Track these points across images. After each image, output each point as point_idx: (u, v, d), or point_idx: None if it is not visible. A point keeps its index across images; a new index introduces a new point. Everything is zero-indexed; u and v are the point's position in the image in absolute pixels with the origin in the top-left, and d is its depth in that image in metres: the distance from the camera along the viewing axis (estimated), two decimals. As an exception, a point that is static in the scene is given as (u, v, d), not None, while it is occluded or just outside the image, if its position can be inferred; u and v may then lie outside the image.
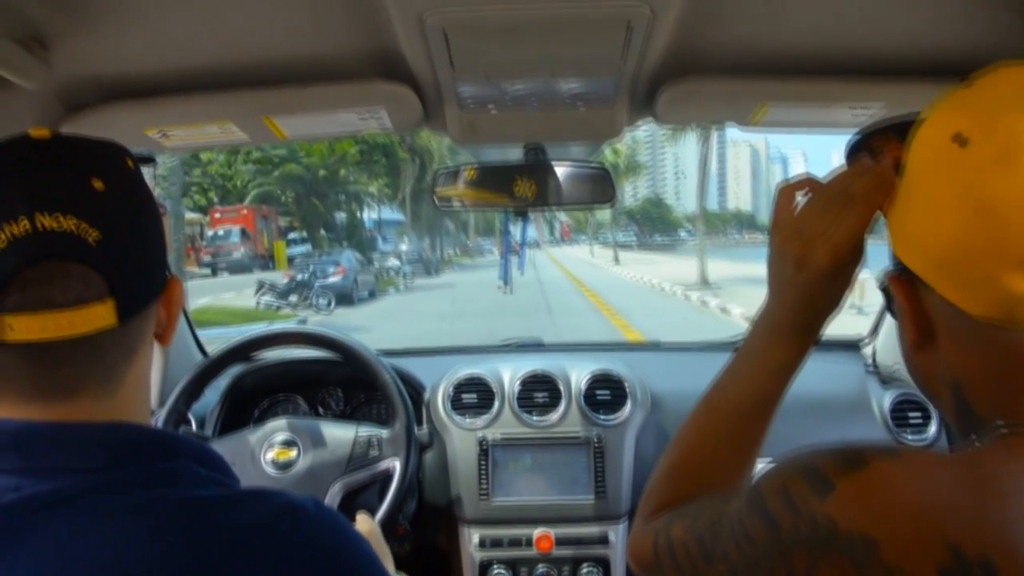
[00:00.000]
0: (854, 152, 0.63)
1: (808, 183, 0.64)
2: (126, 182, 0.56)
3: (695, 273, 19.71)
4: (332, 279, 15.96)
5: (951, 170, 0.48)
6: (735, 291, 15.56)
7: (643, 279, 21.81)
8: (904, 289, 0.55)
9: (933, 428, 1.47)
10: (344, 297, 15.58)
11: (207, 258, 23.98)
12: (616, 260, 34.89)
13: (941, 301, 0.51)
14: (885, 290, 0.58)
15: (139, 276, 0.55)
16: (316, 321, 12.06)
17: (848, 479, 0.47)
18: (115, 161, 0.56)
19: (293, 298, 14.80)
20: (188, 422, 1.40)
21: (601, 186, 1.28)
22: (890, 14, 0.84)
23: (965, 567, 0.42)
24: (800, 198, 0.64)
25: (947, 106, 0.51)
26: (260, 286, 15.16)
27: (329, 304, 14.39)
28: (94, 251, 0.51)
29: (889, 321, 1.64)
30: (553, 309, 13.22)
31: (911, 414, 1.48)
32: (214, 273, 23.05)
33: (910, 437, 1.47)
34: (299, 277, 15.58)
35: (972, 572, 0.42)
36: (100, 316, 0.51)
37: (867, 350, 1.70)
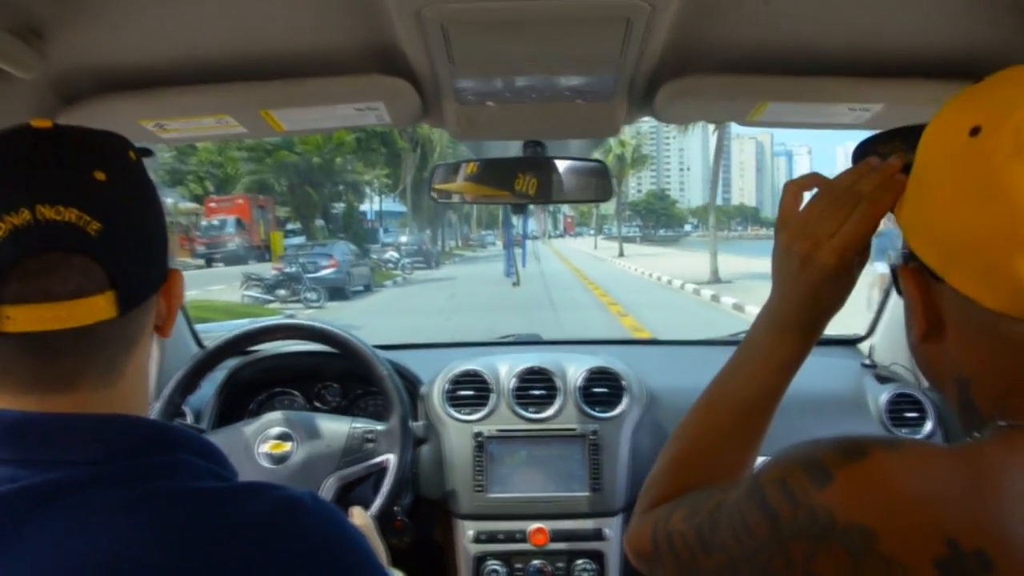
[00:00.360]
0: (861, 155, 0.64)
1: (815, 180, 0.66)
2: (128, 174, 0.56)
3: (703, 267, 19.27)
4: (323, 272, 15.54)
5: (964, 159, 0.49)
6: (748, 287, 15.12)
7: (650, 274, 21.51)
8: (916, 280, 0.55)
9: (929, 425, 1.49)
10: (337, 291, 15.24)
11: (202, 249, 23.92)
12: (621, 253, 34.84)
13: (952, 295, 0.51)
14: (895, 272, 0.58)
15: (140, 268, 0.56)
16: (305, 316, 11.89)
17: (847, 470, 0.48)
18: (118, 153, 0.57)
19: (281, 292, 14.34)
20: (183, 415, 1.41)
21: (599, 182, 1.28)
22: (891, 14, 0.85)
23: (961, 559, 0.43)
24: (807, 195, 0.65)
25: (959, 101, 0.52)
26: (246, 279, 14.64)
27: (319, 299, 14.02)
28: (95, 242, 0.52)
29: (887, 319, 1.66)
30: (557, 306, 12.96)
31: (907, 411, 1.50)
32: (209, 264, 23.01)
33: (906, 434, 1.49)
34: (288, 270, 15.08)
35: (968, 564, 0.43)
36: (100, 308, 0.52)
37: (864, 347, 1.72)
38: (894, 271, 0.59)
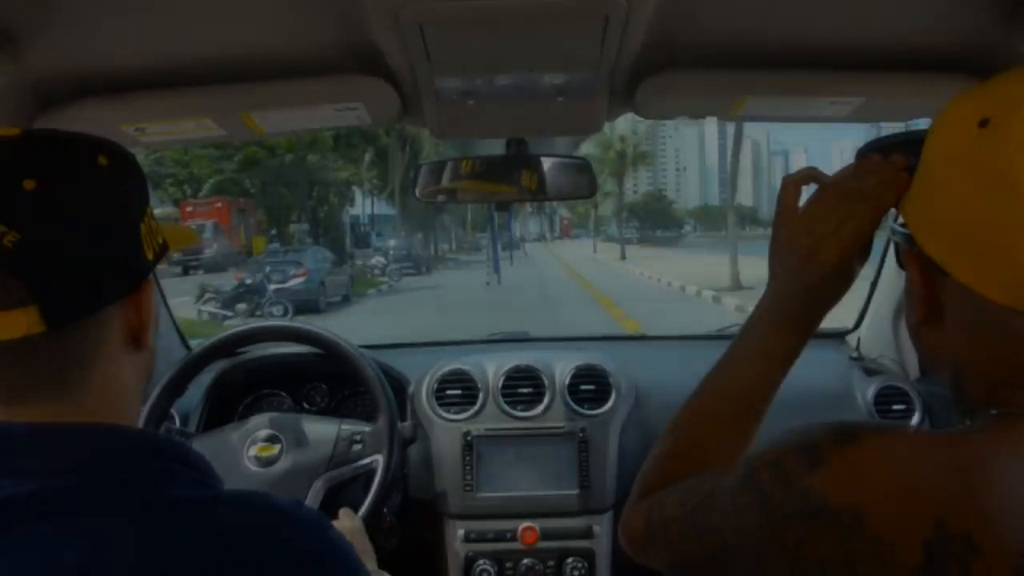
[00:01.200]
0: (863, 157, 0.67)
1: (813, 176, 0.69)
2: (71, 180, 0.55)
3: (714, 271, 18.09)
4: (291, 283, 14.26)
5: (972, 150, 0.51)
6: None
7: (659, 279, 20.60)
8: (919, 267, 0.57)
9: (916, 418, 1.53)
10: (307, 303, 13.91)
11: (177, 256, 23.41)
12: (623, 256, 34.45)
13: (955, 287, 0.53)
14: (897, 247, 0.62)
15: (77, 280, 0.54)
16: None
17: (838, 453, 0.50)
18: (62, 159, 0.55)
19: (241, 306, 12.90)
20: (171, 418, 1.43)
21: (584, 179, 1.31)
22: (870, 7, 0.88)
23: (947, 541, 0.46)
24: (804, 191, 0.68)
25: (968, 95, 0.55)
26: (202, 292, 13.24)
27: (285, 313, 12.68)
28: (10, 255, 0.51)
29: (873, 311, 1.71)
30: (561, 324, 11.47)
31: (895, 404, 1.55)
32: (186, 272, 22.60)
33: None
34: (249, 281, 13.62)
35: (954, 546, 0.45)
36: (19, 322, 0.51)
37: (852, 340, 1.76)
38: (897, 246, 0.62)
